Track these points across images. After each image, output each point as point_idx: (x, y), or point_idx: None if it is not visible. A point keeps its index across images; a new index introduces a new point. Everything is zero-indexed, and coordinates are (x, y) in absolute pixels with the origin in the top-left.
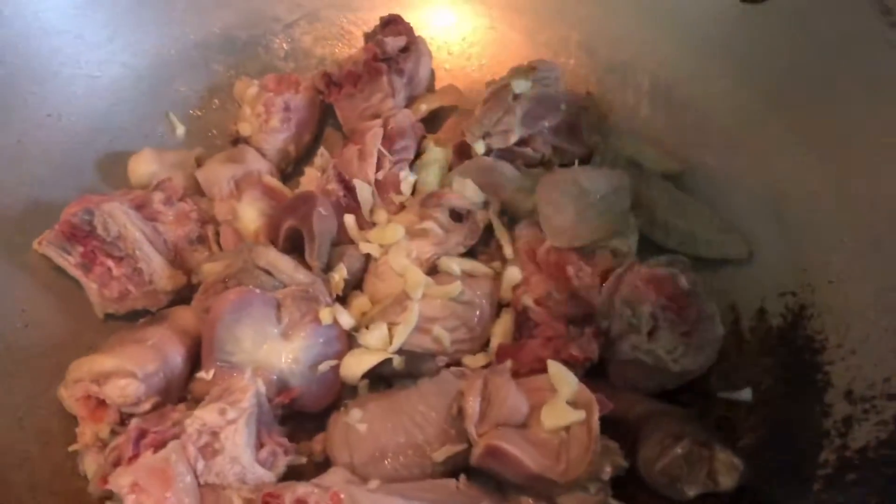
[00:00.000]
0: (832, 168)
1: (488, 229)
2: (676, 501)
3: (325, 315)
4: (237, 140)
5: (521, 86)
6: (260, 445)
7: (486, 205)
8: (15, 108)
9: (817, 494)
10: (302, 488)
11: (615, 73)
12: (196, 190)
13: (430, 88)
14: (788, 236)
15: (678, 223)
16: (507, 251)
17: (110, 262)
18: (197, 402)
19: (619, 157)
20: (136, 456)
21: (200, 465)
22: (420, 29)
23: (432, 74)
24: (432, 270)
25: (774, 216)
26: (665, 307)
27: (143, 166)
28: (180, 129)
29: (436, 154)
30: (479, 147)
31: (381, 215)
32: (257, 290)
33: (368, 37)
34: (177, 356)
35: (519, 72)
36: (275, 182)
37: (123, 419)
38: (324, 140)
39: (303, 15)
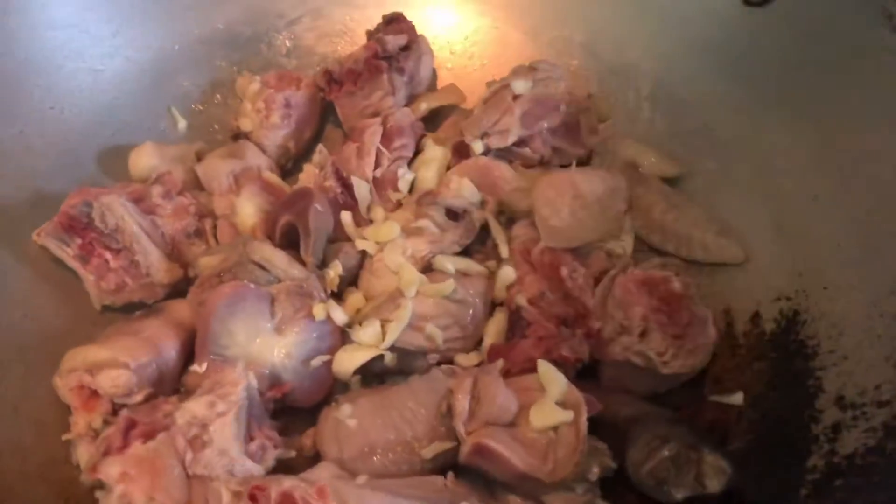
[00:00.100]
0: (830, 174)
1: (485, 229)
2: (665, 503)
3: (319, 311)
4: (238, 135)
5: (520, 86)
6: (250, 439)
7: (482, 204)
8: (18, 100)
9: (804, 500)
10: (288, 482)
11: (617, 74)
12: (196, 184)
13: (432, 87)
14: (785, 241)
15: (675, 226)
16: (503, 251)
17: (108, 254)
18: (190, 394)
19: (617, 159)
20: (125, 446)
21: (189, 456)
22: (422, 28)
23: (434, 73)
24: (427, 268)
25: (771, 221)
26: (657, 309)
27: (144, 160)
28: (182, 124)
29: (434, 153)
30: (478, 146)
31: (378, 213)
32: (251, 285)
33: (371, 34)
34: (171, 349)
35: (519, 72)
36: (274, 178)
37: (116, 410)
38: (324, 137)
39: (306, 12)
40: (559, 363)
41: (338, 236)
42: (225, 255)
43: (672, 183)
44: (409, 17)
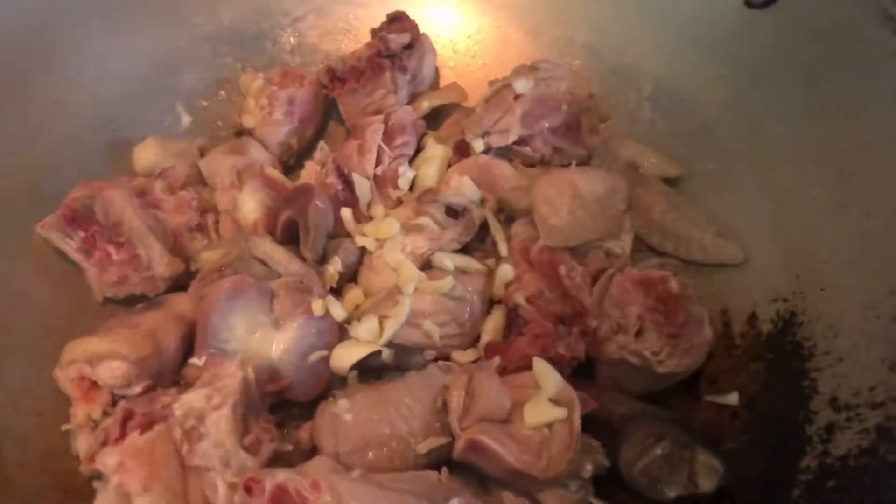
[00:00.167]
0: (830, 176)
1: (484, 227)
2: (657, 502)
3: (318, 306)
4: (241, 132)
5: (522, 85)
6: (246, 431)
7: (482, 202)
8: (24, 95)
9: (796, 500)
10: (283, 474)
11: (619, 75)
12: (199, 179)
13: (434, 86)
14: (783, 242)
15: (674, 226)
16: (502, 249)
17: (110, 248)
18: (189, 386)
19: (617, 159)
20: (122, 436)
21: (185, 447)
22: (426, 26)
23: (436, 72)
24: (426, 266)
25: (770, 222)
26: (653, 309)
27: (148, 155)
28: (186, 120)
29: (435, 151)
30: (478, 145)
31: (378, 210)
32: (252, 280)
33: (375, 33)
34: (170, 342)
35: (521, 71)
36: (276, 174)
37: (116, 401)
38: (327, 134)
39: (311, 10)
40: (555, 361)
41: (338, 232)
42: (226, 249)
43: (672, 183)
44: (412, 16)
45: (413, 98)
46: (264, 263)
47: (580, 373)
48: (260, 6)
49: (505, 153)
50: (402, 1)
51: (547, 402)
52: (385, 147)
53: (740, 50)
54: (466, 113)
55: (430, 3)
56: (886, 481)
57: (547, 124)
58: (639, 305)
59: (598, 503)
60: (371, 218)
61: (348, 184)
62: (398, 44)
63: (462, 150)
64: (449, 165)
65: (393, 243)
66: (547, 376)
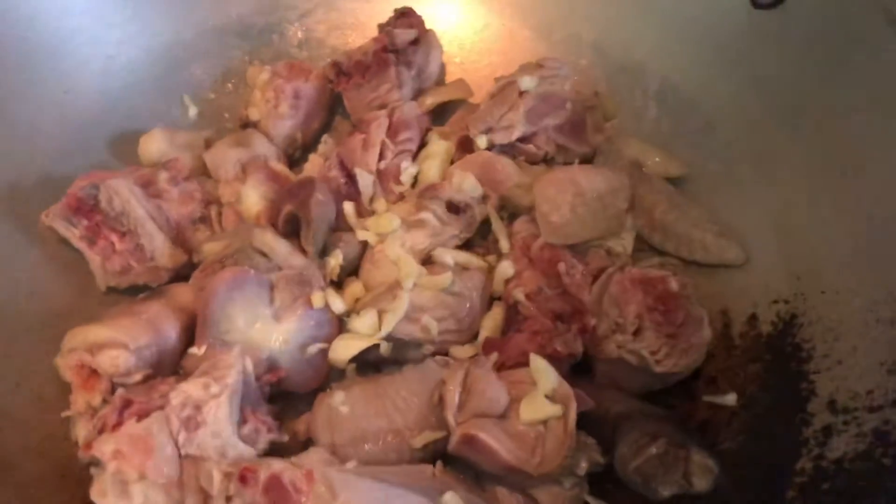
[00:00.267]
0: (833, 178)
1: (487, 223)
2: (652, 501)
3: (317, 299)
4: (246, 124)
5: (527, 82)
6: (243, 422)
7: (484, 199)
8: (32, 84)
9: (790, 502)
10: (277, 465)
11: (625, 73)
12: (203, 171)
13: (440, 82)
14: (785, 244)
15: (676, 226)
16: (503, 246)
17: (114, 237)
18: (188, 376)
19: (621, 157)
20: (119, 424)
21: (182, 436)
22: (433, 22)
23: (442, 68)
24: (427, 261)
25: (772, 223)
26: (652, 308)
27: (153, 145)
28: (193, 111)
29: (438, 146)
30: (482, 141)
31: (380, 204)
32: (252, 271)
33: (382, 28)
34: (171, 331)
35: (526, 69)
36: (280, 167)
37: (115, 389)
38: (333, 128)
39: (319, 4)
40: (552, 358)
41: (340, 226)
42: (228, 241)
43: (675, 183)
44: (419, 12)
45: (418, 93)
46: (265, 255)
47: (579, 371)
48: (268, 0)
49: (508, 150)
50: None
51: (543, 399)
52: (389, 142)
53: (746, 50)
54: (472, 109)
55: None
56: (881, 484)
57: (551, 122)
58: (638, 304)
59: (592, 501)
60: (373, 212)
61: (351, 178)
62: (404, 39)
63: (465, 146)
64: (452, 161)
65: (394, 238)
66: (543, 373)
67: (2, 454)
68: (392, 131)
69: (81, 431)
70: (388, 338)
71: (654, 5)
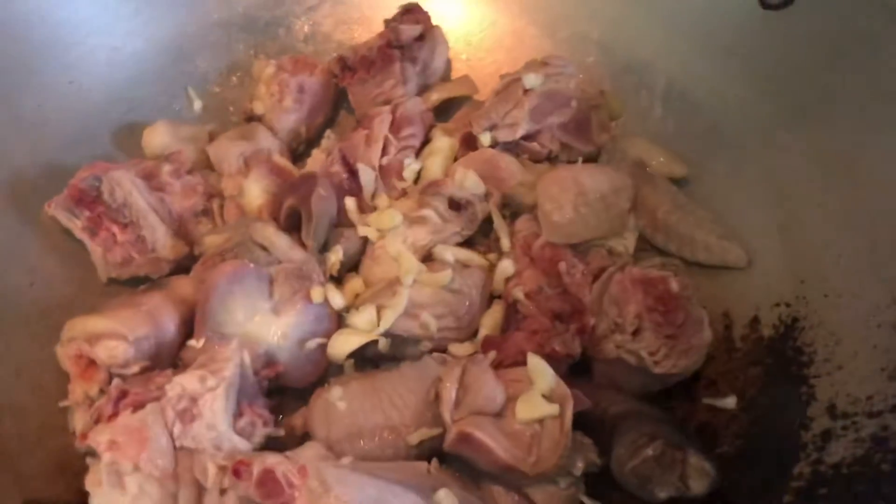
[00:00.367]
0: (838, 182)
1: (489, 221)
2: (648, 503)
3: (317, 294)
4: (251, 118)
5: (532, 80)
6: (240, 415)
7: (487, 196)
8: (38, 74)
9: None
10: (272, 459)
11: (632, 72)
12: (207, 164)
13: (446, 78)
14: (788, 247)
15: (678, 227)
16: (504, 244)
17: (115, 228)
18: (186, 368)
19: (625, 157)
20: (115, 415)
21: (178, 428)
22: (440, 18)
23: (448, 64)
24: (428, 258)
25: (776, 226)
26: (651, 308)
27: (157, 138)
28: (198, 104)
29: (442, 143)
30: (485, 139)
31: (382, 200)
32: (252, 265)
33: (388, 23)
34: (170, 323)
35: (531, 66)
36: (283, 161)
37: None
38: (338, 123)
39: None
40: (550, 357)
41: (341, 222)
42: (229, 234)
43: (679, 184)
44: (427, 8)
45: (424, 89)
46: (266, 249)
47: (578, 371)
48: None
49: (512, 148)
50: None
51: (539, 398)
52: (392, 138)
53: (754, 51)
54: (477, 106)
55: None
56: (878, 490)
57: (556, 120)
58: (637, 304)
59: (588, 501)
60: (375, 208)
61: (353, 173)
62: (409, 35)
63: (469, 143)
64: (455, 158)
65: (395, 234)
66: (541, 372)
67: (0, 443)
68: (395, 127)
69: (79, 421)
70: (387, 334)
71: (661, 4)
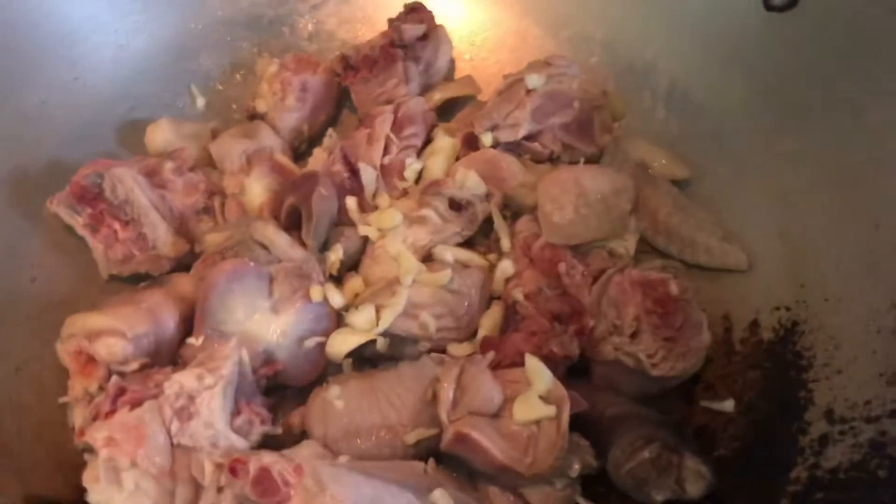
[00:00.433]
0: (839, 186)
1: (490, 221)
2: None
3: (316, 293)
4: (253, 116)
5: (534, 80)
6: (237, 413)
7: (487, 197)
8: (43, 70)
9: None
10: (268, 457)
11: (635, 74)
12: (209, 162)
13: (449, 78)
14: (789, 251)
15: (679, 229)
16: (505, 244)
17: (117, 225)
18: (185, 366)
19: (627, 158)
20: (112, 412)
21: (175, 426)
22: (444, 18)
23: (451, 64)
24: (428, 258)
25: (777, 230)
26: (650, 311)
27: (160, 135)
28: (201, 102)
29: (443, 143)
30: (487, 139)
31: (383, 199)
32: (252, 263)
33: (392, 22)
34: (169, 320)
35: (534, 66)
36: (285, 160)
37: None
38: (340, 122)
39: None
40: (548, 359)
41: (342, 221)
42: (230, 232)
43: (681, 186)
44: (431, 7)
45: (426, 89)
46: (266, 248)
47: (577, 372)
48: None
49: (514, 148)
50: None
51: (537, 399)
52: (393, 137)
53: (757, 53)
54: (480, 106)
55: None
56: (874, 496)
57: (558, 120)
58: (636, 306)
59: (584, 503)
60: (376, 207)
61: (354, 172)
62: (412, 34)
63: (470, 143)
64: (457, 158)
65: (395, 234)
66: (538, 373)
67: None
68: (397, 126)
69: (78, 417)
70: (386, 334)
71: (664, 5)
